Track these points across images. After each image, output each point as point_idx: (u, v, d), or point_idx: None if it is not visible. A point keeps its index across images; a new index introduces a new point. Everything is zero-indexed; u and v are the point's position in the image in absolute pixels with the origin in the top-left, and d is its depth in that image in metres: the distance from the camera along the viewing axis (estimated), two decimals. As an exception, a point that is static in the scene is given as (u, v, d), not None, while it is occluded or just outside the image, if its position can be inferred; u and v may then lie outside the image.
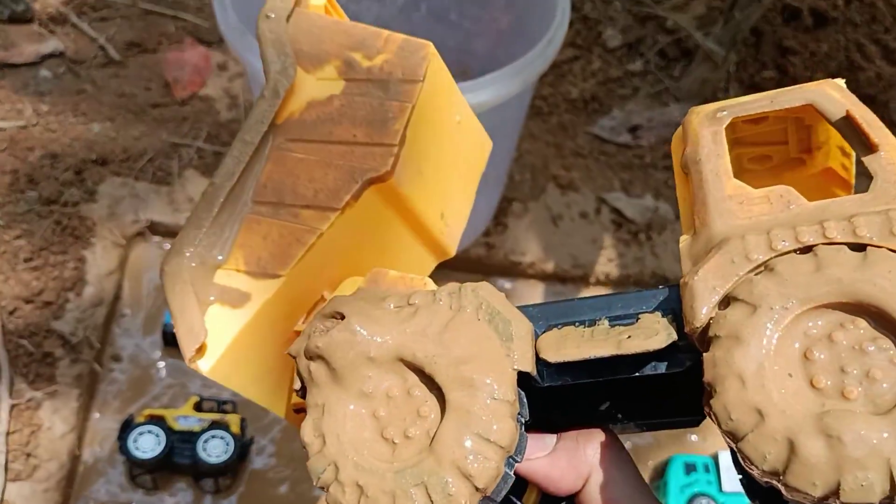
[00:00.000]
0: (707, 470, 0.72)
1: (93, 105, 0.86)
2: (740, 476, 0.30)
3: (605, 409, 0.34)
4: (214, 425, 0.67)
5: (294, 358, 0.31)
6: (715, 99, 0.98)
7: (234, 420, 0.68)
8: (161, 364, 0.74)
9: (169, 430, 0.66)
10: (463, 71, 0.80)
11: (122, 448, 0.64)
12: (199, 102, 0.89)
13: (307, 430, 0.31)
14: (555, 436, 0.33)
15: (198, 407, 0.69)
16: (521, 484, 0.35)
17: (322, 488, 0.30)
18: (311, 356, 0.31)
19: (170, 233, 0.81)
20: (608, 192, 0.90)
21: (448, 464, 0.28)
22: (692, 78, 0.96)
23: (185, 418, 0.67)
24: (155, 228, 0.80)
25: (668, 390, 0.27)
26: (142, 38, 0.93)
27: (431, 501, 0.28)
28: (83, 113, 0.85)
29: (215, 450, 0.65)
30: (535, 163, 0.90)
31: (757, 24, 0.97)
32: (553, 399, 0.33)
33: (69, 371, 0.67)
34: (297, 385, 0.32)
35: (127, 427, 0.66)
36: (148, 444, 0.64)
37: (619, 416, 0.34)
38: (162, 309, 0.77)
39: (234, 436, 0.67)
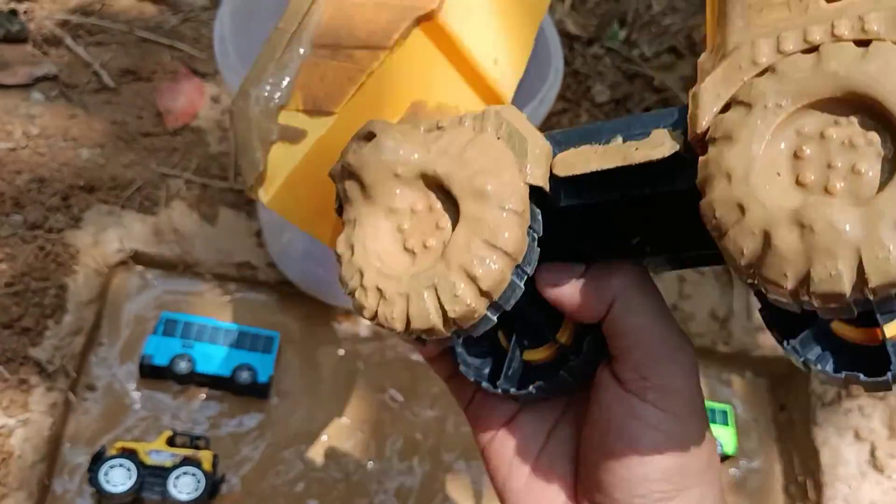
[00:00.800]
0: None
1: (83, 130, 0.86)
2: (760, 308, 0.30)
3: (635, 243, 0.35)
4: (186, 461, 0.67)
5: (333, 179, 0.33)
6: (697, 159, 1.01)
7: (206, 456, 0.68)
8: (136, 395, 0.74)
9: (140, 465, 0.66)
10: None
11: (93, 480, 0.64)
12: (191, 134, 0.90)
13: (340, 242, 0.34)
14: (583, 265, 0.35)
15: (171, 441, 0.69)
16: (557, 320, 0.36)
17: (350, 294, 0.33)
18: (346, 175, 0.33)
19: (153, 263, 0.81)
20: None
21: (456, 267, 0.30)
22: (676, 137, 0.98)
23: (157, 453, 0.67)
24: (138, 258, 0.80)
25: (693, 221, 0.27)
26: (137, 66, 0.94)
27: (440, 302, 0.30)
28: (73, 138, 0.85)
29: (186, 487, 0.65)
30: (519, 212, 0.92)
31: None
32: (582, 229, 0.35)
33: (44, 399, 0.67)
34: (336, 205, 0.34)
35: (98, 459, 0.66)
36: (119, 478, 0.64)
37: (648, 249, 0.35)
38: (140, 339, 0.77)
39: (205, 473, 0.66)
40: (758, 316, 0.88)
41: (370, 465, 0.76)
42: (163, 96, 0.92)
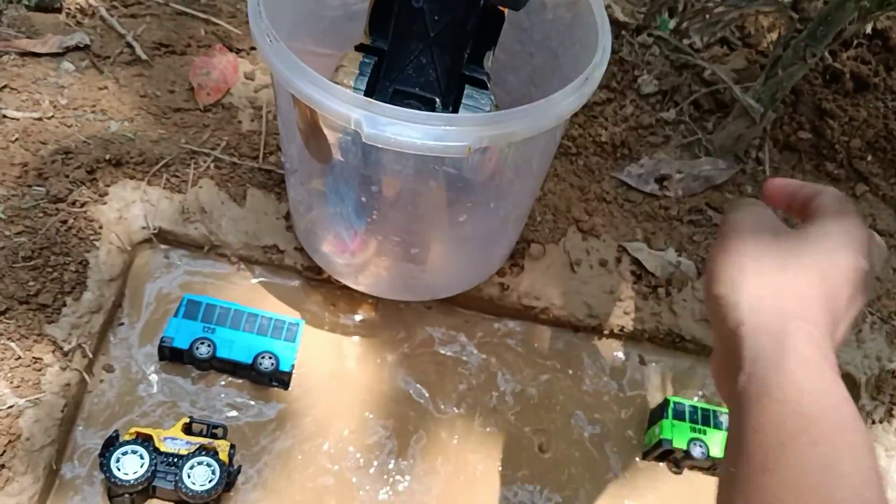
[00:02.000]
0: None
1: (113, 103, 0.84)
2: None
3: None
4: (202, 450, 0.64)
5: None
6: (748, 156, 0.95)
7: (223, 446, 0.65)
8: (154, 378, 0.72)
9: (155, 451, 0.63)
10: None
11: (103, 466, 0.62)
12: (222, 111, 0.87)
13: None
14: None
15: (187, 429, 0.66)
16: None
17: None
18: None
19: (178, 242, 0.79)
20: (630, 241, 0.87)
21: None
22: (726, 132, 0.93)
23: (172, 440, 0.64)
24: (163, 236, 0.78)
25: None
26: (171, 39, 0.91)
27: None
28: (102, 110, 0.83)
29: (200, 477, 0.62)
30: (558, 204, 0.88)
31: (797, 83, 0.94)
32: None
33: (57, 379, 0.65)
34: None
35: (111, 444, 0.63)
36: (131, 466, 0.62)
37: None
38: (161, 321, 0.74)
39: (221, 464, 0.64)
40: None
41: (392, 463, 0.73)
42: (196, 71, 0.89)
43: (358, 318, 0.80)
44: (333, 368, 0.77)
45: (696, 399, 0.82)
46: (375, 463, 0.72)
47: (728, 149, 0.94)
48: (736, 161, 0.94)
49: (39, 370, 0.64)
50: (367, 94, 0.61)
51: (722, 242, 0.48)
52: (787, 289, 0.44)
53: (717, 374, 0.48)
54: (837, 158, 0.98)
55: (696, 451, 0.75)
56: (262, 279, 0.80)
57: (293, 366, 0.72)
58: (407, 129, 0.53)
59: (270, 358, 0.72)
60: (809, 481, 0.38)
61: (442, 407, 0.77)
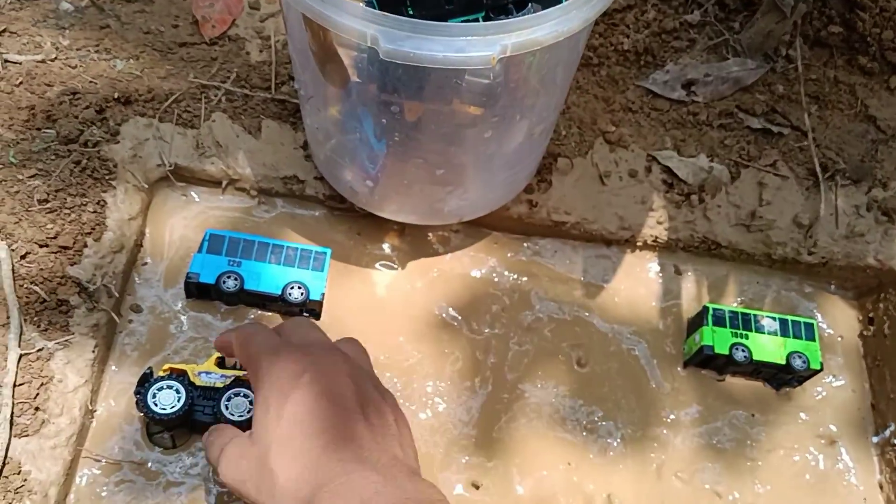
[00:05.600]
0: None
1: (116, 41, 0.81)
2: None
3: None
4: (237, 382, 0.63)
5: None
6: (778, 54, 0.91)
7: (257, 378, 0.64)
8: (183, 317, 0.71)
9: (190, 386, 0.62)
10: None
11: (140, 403, 0.61)
12: (229, 43, 0.84)
13: None
14: None
15: (220, 363, 0.65)
16: None
17: None
18: None
19: (195, 179, 0.77)
20: (660, 150, 0.84)
21: None
22: (755, 30, 0.89)
23: (207, 374, 0.63)
24: (180, 174, 0.76)
25: None
26: (170, -27, 0.88)
27: None
28: (106, 49, 0.80)
29: (238, 408, 0.61)
30: (582, 116, 0.85)
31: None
32: None
33: (85, 320, 0.64)
34: None
35: (145, 381, 0.62)
36: (167, 400, 0.61)
37: None
38: (185, 259, 0.73)
39: None
40: (846, 222, 0.81)
41: (429, 385, 0.72)
42: (199, 3, 0.86)
43: (385, 245, 0.78)
44: (363, 297, 0.75)
45: (735, 305, 0.80)
46: (414, 386, 0.71)
47: (757, 47, 0.90)
48: (765, 60, 0.90)
49: (66, 312, 0.63)
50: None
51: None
52: None
53: None
54: (870, 51, 0.94)
55: (739, 356, 0.74)
56: (283, 211, 0.78)
57: (323, 295, 0.71)
58: (427, 43, 0.50)
59: (300, 288, 0.70)
60: None
61: (476, 328, 0.75)
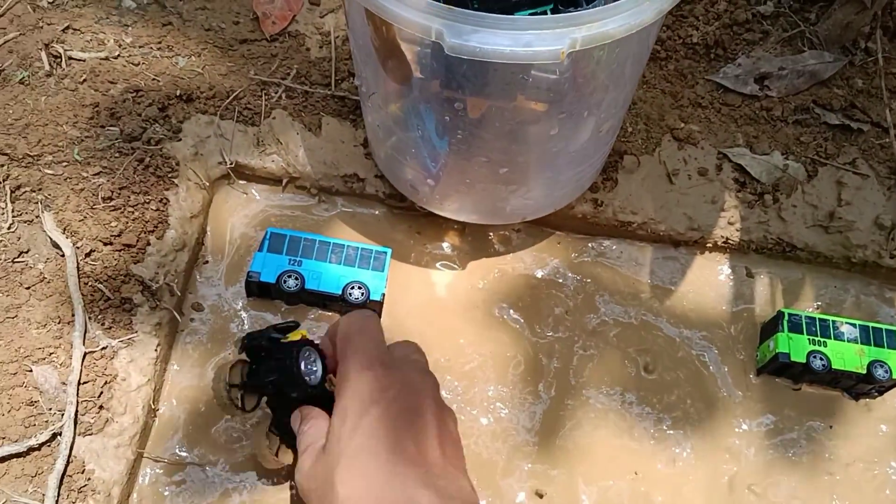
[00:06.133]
0: None
1: (178, 39, 0.81)
2: None
3: None
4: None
5: None
6: (857, 46, 0.87)
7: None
8: (243, 315, 0.70)
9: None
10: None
11: (284, 368, 0.53)
12: (289, 39, 0.83)
13: None
14: None
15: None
16: None
17: None
18: None
19: (256, 177, 0.76)
20: (731, 147, 0.81)
21: None
22: (832, 21, 0.85)
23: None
24: (240, 171, 0.75)
25: None
26: (231, -31, 0.88)
27: None
28: (168, 46, 0.80)
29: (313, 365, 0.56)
30: (649, 112, 0.82)
31: None
32: None
33: (148, 319, 0.63)
34: None
35: (287, 349, 0.54)
36: (314, 367, 0.54)
37: None
38: (245, 257, 0.72)
39: None
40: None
41: (490, 390, 0.70)
42: (259, 0, 0.85)
43: (445, 245, 0.77)
44: (424, 297, 0.74)
45: (811, 310, 0.77)
46: (475, 390, 0.70)
47: (834, 40, 0.86)
48: (843, 53, 0.86)
49: (129, 310, 0.63)
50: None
51: None
52: None
53: None
54: (956, 43, 0.89)
55: (817, 364, 0.70)
56: (343, 210, 0.77)
57: (384, 295, 0.70)
58: (493, 37, 0.48)
59: (360, 288, 0.69)
60: None
61: (539, 331, 0.73)
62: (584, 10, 0.54)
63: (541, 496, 0.66)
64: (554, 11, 0.57)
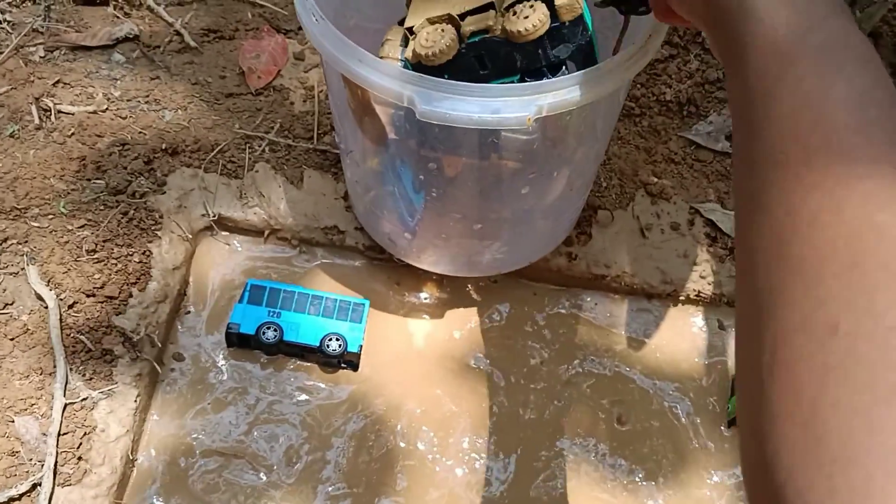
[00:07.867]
0: None
1: (166, 92, 0.83)
2: None
3: None
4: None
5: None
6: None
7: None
8: (223, 365, 0.71)
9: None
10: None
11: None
12: (274, 93, 0.86)
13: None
14: None
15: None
16: None
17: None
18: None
19: (238, 228, 0.78)
20: (703, 202, 0.83)
21: None
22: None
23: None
24: (223, 223, 0.77)
25: None
26: (218, 24, 0.90)
27: None
28: (155, 100, 0.82)
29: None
30: (623, 168, 0.84)
31: (875, 25, 0.88)
32: None
33: (129, 370, 0.65)
34: None
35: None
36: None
37: None
38: (227, 308, 0.74)
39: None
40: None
41: (466, 441, 0.71)
42: (245, 55, 0.88)
43: (423, 295, 0.78)
44: (401, 347, 0.75)
45: (780, 363, 0.78)
46: (450, 441, 0.71)
47: (802, 99, 0.89)
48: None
49: (110, 362, 0.64)
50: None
51: None
52: None
53: None
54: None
55: (785, 418, 0.72)
56: (324, 261, 0.79)
57: (361, 346, 0.71)
58: (462, 104, 0.50)
59: (338, 340, 0.71)
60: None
61: (514, 381, 0.75)
62: (549, 80, 0.56)
63: (514, 547, 0.67)
64: (520, 81, 0.59)
